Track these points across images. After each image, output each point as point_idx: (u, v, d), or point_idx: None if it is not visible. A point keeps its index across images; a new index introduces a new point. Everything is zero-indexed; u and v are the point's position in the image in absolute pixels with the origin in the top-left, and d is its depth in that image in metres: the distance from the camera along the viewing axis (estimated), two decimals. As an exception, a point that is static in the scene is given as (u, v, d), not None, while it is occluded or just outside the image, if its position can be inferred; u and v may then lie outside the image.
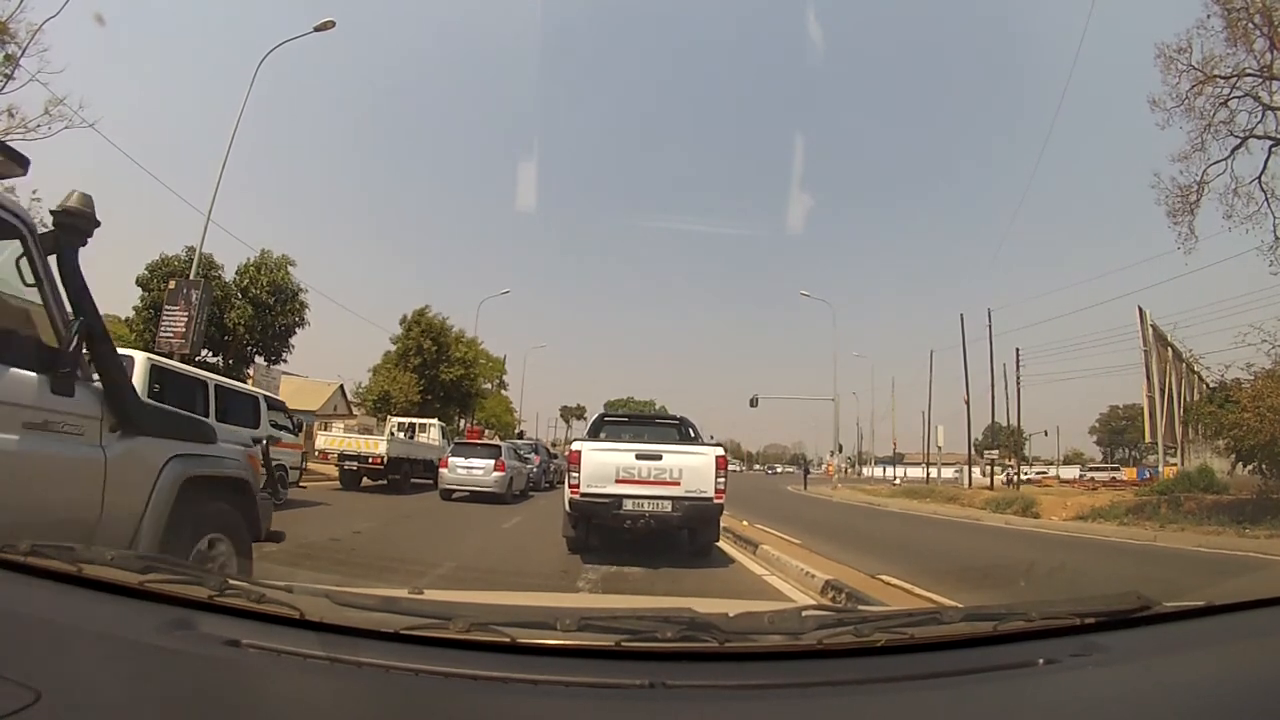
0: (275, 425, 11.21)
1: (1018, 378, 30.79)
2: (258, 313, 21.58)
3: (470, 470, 14.29)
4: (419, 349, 30.26)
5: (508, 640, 1.12)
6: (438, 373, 30.49)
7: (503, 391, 48.38)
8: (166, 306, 17.10)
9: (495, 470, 14.41)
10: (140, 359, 8.53)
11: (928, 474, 43.47)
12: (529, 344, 75.62)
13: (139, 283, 20.92)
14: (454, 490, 14.30)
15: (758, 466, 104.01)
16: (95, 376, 2.49)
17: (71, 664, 1.01)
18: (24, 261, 2.33)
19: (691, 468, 6.87)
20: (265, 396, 11.48)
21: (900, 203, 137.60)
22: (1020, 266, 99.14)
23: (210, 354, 21.39)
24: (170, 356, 13.58)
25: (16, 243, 2.33)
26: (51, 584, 1.27)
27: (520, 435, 45.11)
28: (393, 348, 30.76)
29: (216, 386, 9.64)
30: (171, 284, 17.65)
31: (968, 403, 31.89)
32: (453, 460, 14.47)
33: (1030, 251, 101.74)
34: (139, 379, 8.12)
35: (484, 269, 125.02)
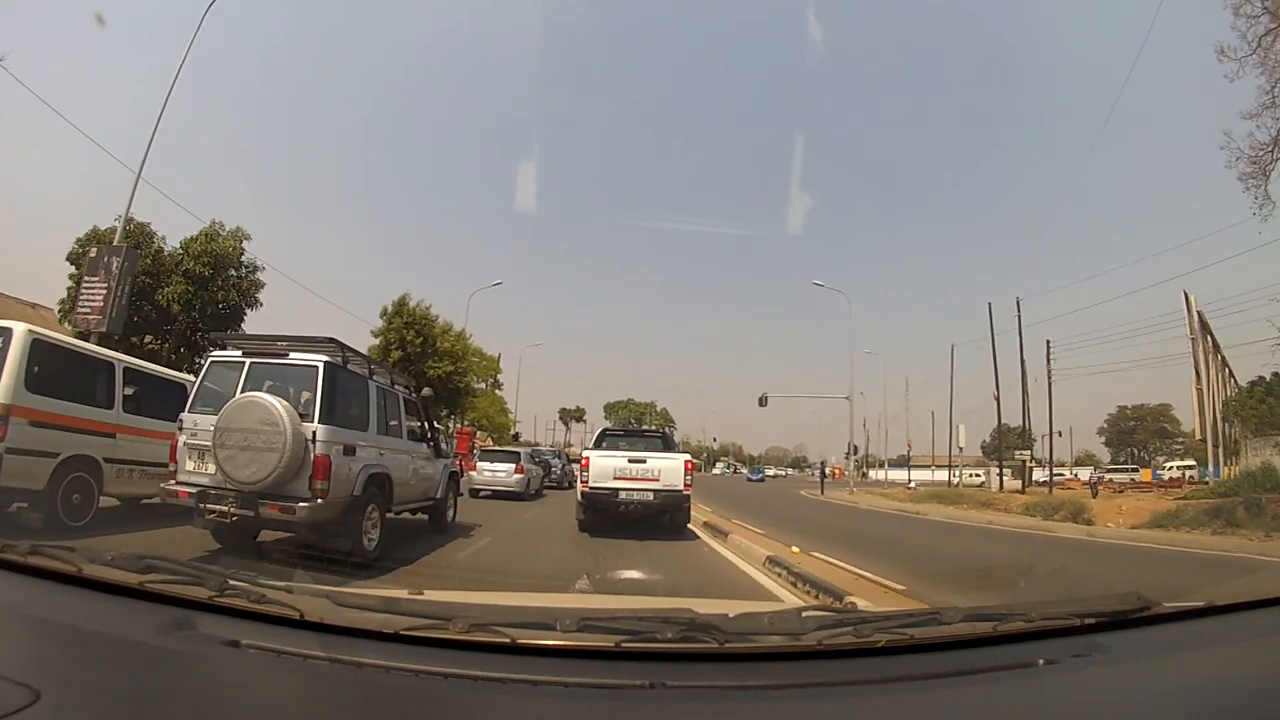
0: None
1: (1049, 372, 29.18)
2: (195, 289, 18.59)
3: (495, 473, 16.87)
4: (401, 342, 27.61)
5: (507, 641, 1.12)
6: (423, 368, 27.55)
7: (497, 391, 44.99)
8: (85, 278, 14.47)
9: (516, 473, 16.92)
10: (19, 332, 6.45)
11: (950, 477, 41.73)
12: (528, 344, 75.02)
13: (70, 259, 18.08)
14: (480, 490, 16.56)
15: (730, 469, 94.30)
16: (432, 443, 8.53)
17: (71, 664, 1.01)
18: (420, 409, 8.64)
19: (668, 468, 9.50)
20: None
21: (906, 203, 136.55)
22: (1028, 266, 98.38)
23: (153, 340, 19.07)
24: (86, 337, 11.60)
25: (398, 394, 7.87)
26: (51, 584, 1.27)
27: (515, 437, 43.86)
28: (375, 341, 28.22)
29: (127, 370, 7.89)
30: (92, 252, 14.93)
31: (998, 399, 30.32)
32: (480, 464, 17.36)
33: (1040, 249, 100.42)
34: (14, 358, 6.30)
35: (483, 269, 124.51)
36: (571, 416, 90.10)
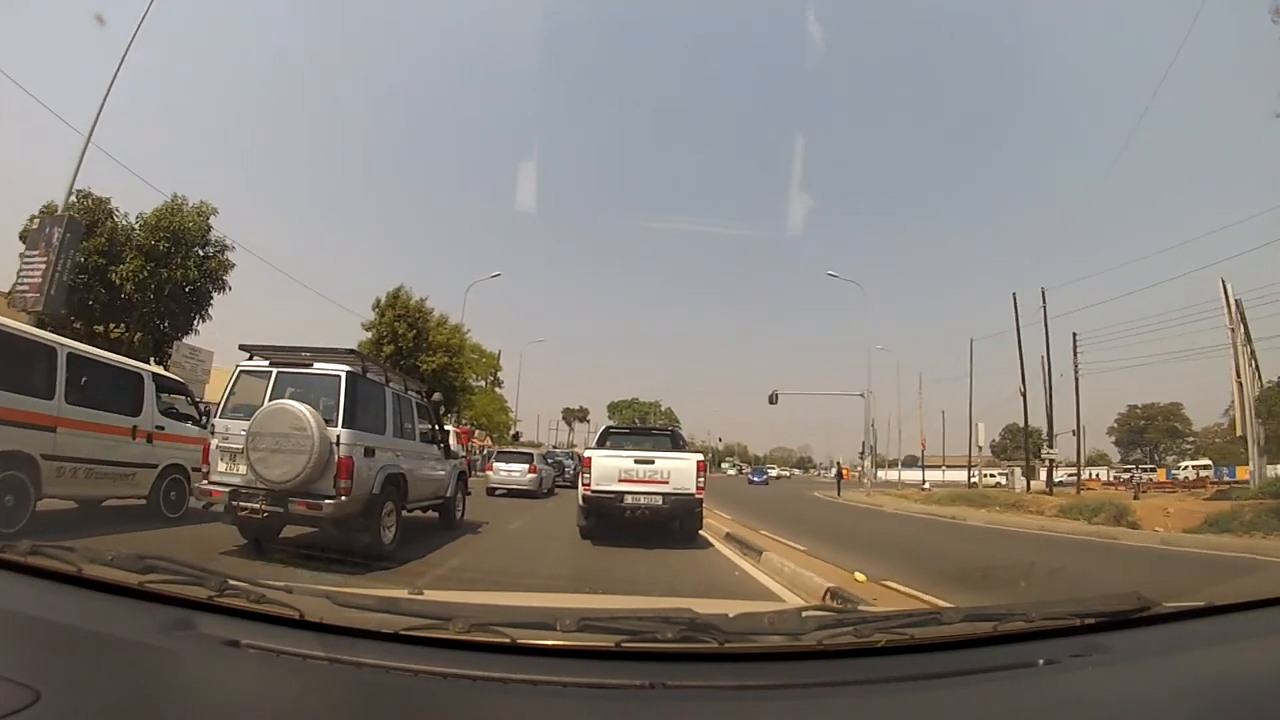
0: (173, 414, 8.55)
1: (1076, 366, 27.90)
2: (152, 267, 16.49)
3: (510, 472, 18.11)
4: (393, 335, 26.21)
5: (507, 641, 1.12)
6: (416, 362, 26.09)
7: (497, 389, 43.42)
8: (25, 252, 13.05)
9: (530, 473, 18.09)
10: None
11: (969, 477, 40.50)
12: (529, 341, 74.37)
13: (22, 235, 16.25)
14: (497, 488, 17.79)
15: (735, 469, 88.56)
16: (442, 444, 9.11)
17: (71, 664, 1.01)
18: (431, 413, 9.22)
19: (678, 470, 8.59)
20: (156, 375, 8.59)
21: (908, 203, 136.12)
22: (1029, 267, 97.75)
23: (118, 328, 17.21)
24: (42, 322, 10.76)
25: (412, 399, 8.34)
26: (51, 584, 1.27)
27: (515, 437, 43.15)
28: (367, 335, 26.89)
29: (72, 356, 6.96)
30: (35, 222, 13.50)
31: (1024, 394, 28.60)
32: (497, 465, 18.74)
33: (1044, 247, 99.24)
34: None
35: (486, 268, 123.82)
36: (575, 416, 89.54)
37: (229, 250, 18.47)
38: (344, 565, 5.40)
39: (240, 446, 5.99)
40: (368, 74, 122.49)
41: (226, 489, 6.10)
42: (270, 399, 6.25)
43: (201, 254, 17.91)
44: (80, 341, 8.18)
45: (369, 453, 6.49)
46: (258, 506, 5.93)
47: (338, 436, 6.05)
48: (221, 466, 6.30)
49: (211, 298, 18.42)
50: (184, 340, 18.88)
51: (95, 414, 7.12)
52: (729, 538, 9.25)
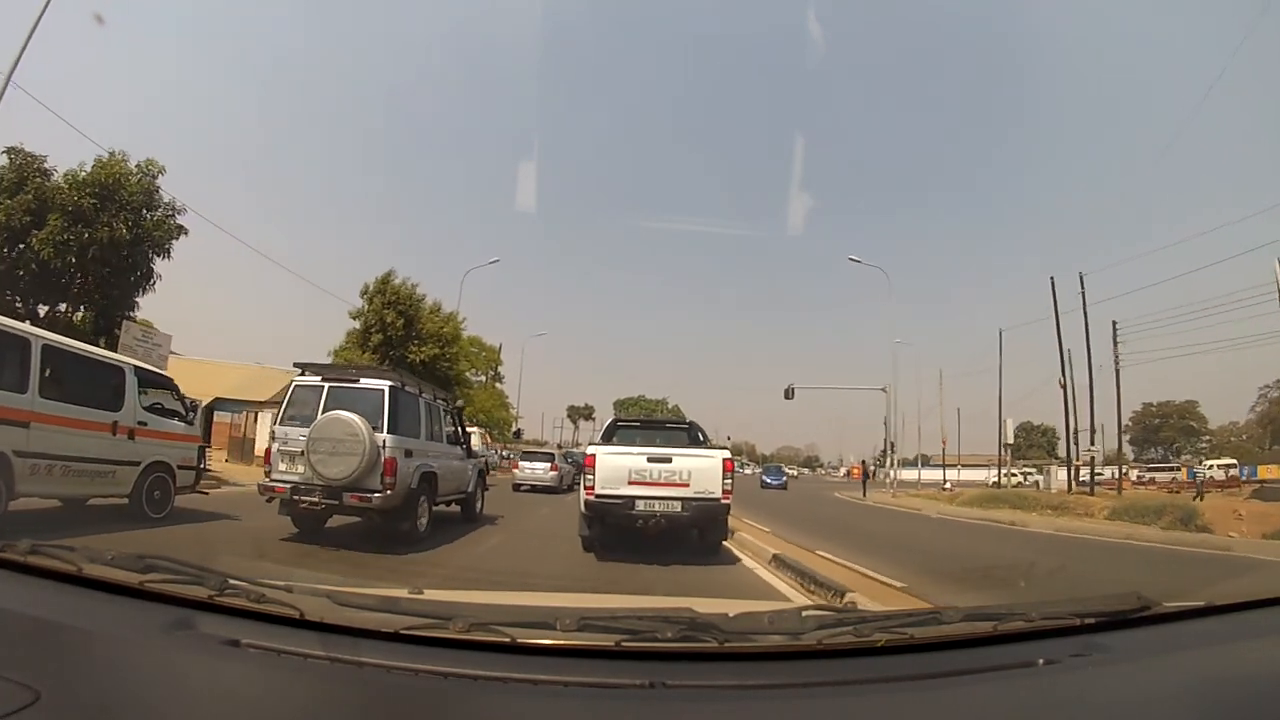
0: (158, 409, 8.31)
1: (1116, 357, 26.42)
2: (79, 228, 14.17)
3: (533, 470, 20.55)
4: (381, 324, 24.15)
5: (508, 640, 1.12)
6: (405, 353, 24.02)
7: (498, 385, 41.24)
8: None
9: (550, 470, 20.40)
10: None
11: (998, 476, 38.66)
12: (533, 341, 73.26)
13: None
14: (522, 484, 20.04)
15: (749, 468, 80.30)
16: (464, 445, 10.33)
17: (71, 664, 1.01)
18: (454, 415, 10.12)
19: (700, 470, 7.19)
20: (139, 369, 8.27)
21: (909, 203, 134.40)
22: (1043, 261, 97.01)
23: (67, 307, 15.39)
24: None
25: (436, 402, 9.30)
26: (51, 584, 1.27)
27: (517, 434, 42.69)
28: (355, 324, 25.00)
29: (47, 347, 6.66)
30: None
31: (1064, 386, 26.88)
32: (521, 463, 21.33)
33: (1056, 242, 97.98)
34: None
35: (490, 267, 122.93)
36: (580, 414, 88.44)
37: (180, 213, 15.66)
38: (346, 563, 5.49)
39: (298, 449, 7.06)
40: (366, 71, 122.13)
41: (288, 485, 7.09)
42: (324, 410, 7.20)
43: (149, 216, 15.61)
44: (35, 327, 7.69)
45: (408, 454, 7.49)
46: (316, 500, 6.95)
47: (383, 441, 7.05)
48: (282, 466, 7.36)
49: (152, 263, 16.01)
50: (135, 319, 16.19)
51: (72, 409, 6.84)
52: (778, 562, 6.92)
